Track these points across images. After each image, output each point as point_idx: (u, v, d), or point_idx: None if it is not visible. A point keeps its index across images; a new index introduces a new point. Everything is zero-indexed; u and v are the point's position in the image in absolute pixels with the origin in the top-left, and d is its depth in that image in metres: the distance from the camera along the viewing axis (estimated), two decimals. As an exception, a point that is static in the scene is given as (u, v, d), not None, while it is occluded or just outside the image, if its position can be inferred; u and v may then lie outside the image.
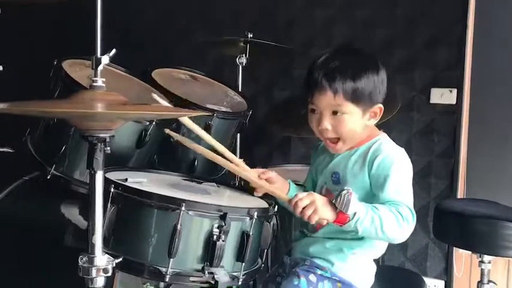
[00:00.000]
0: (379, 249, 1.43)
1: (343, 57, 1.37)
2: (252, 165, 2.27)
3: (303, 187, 1.54)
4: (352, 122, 1.35)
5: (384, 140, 1.39)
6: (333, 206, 1.25)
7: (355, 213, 1.23)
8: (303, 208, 1.24)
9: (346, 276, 1.38)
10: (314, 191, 1.40)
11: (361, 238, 1.37)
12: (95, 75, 1.13)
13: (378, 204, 1.28)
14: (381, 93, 1.37)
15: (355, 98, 1.33)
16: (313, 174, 1.53)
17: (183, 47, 2.81)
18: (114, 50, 1.16)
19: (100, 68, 1.13)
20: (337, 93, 1.32)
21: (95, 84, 1.13)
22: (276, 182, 1.44)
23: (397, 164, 1.33)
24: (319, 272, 1.38)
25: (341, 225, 1.26)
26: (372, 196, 1.33)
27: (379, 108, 1.38)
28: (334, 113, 1.34)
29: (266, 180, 1.42)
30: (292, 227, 1.95)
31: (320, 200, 1.25)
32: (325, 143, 1.42)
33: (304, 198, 1.25)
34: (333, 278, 1.38)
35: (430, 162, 2.53)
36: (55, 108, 1.03)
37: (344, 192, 1.24)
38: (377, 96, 1.36)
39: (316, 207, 1.24)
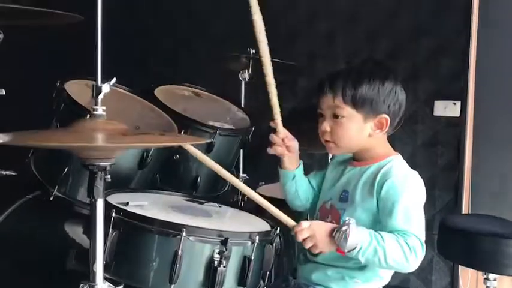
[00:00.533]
0: (384, 278, 1.39)
1: (351, 64, 1.41)
2: (255, 181, 2.29)
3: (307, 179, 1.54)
4: (350, 128, 1.34)
5: (396, 162, 1.36)
6: (333, 240, 1.24)
7: (356, 244, 1.22)
8: (303, 240, 1.26)
9: None
10: (317, 194, 1.49)
11: (364, 267, 1.35)
12: (95, 104, 1.13)
13: (385, 233, 1.25)
14: (386, 104, 1.34)
15: (355, 102, 1.33)
16: (321, 183, 1.52)
17: (186, 63, 2.82)
18: (114, 79, 1.16)
19: (100, 96, 1.13)
20: (336, 96, 1.34)
21: (95, 112, 1.13)
22: (293, 152, 1.47)
23: (407, 189, 1.29)
24: None
25: (344, 254, 1.25)
26: (379, 223, 1.30)
27: (384, 119, 1.34)
28: (335, 116, 1.35)
29: (287, 147, 1.45)
30: (296, 244, 1.94)
31: (319, 234, 1.25)
32: (324, 144, 1.42)
33: (305, 231, 1.26)
34: None
35: (435, 174, 2.52)
36: (54, 142, 1.03)
37: (343, 228, 1.22)
38: (381, 105, 1.33)
39: (316, 242, 1.25)
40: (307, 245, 1.25)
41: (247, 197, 2.20)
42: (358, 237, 1.22)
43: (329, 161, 2.40)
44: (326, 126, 1.37)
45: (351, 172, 1.41)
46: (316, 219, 1.46)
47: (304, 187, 1.51)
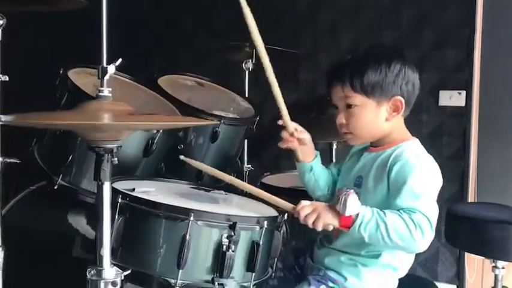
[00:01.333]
0: (399, 269, 1.36)
1: (355, 53, 1.40)
2: (260, 171, 2.27)
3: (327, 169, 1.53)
4: (365, 115, 1.33)
5: (410, 144, 1.34)
6: (336, 211, 1.22)
7: (357, 216, 1.20)
8: (306, 216, 1.23)
9: None
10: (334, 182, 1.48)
11: (377, 256, 1.33)
12: (101, 85, 1.12)
13: (388, 210, 1.22)
14: (397, 85, 1.32)
15: (364, 88, 1.31)
16: (338, 170, 1.52)
17: (189, 53, 2.80)
18: (120, 60, 1.14)
19: (106, 77, 1.12)
20: (344, 85, 1.33)
21: (101, 94, 1.11)
22: (306, 144, 1.45)
23: (417, 169, 1.26)
24: (330, 284, 1.36)
25: (347, 229, 1.22)
26: (389, 206, 1.27)
27: (399, 100, 1.32)
28: (348, 106, 1.34)
29: (298, 139, 1.44)
30: (302, 233, 1.93)
31: (322, 207, 1.24)
32: (344, 136, 1.41)
33: (306, 207, 1.25)
34: None
35: (440, 165, 2.46)
36: (61, 120, 1.02)
37: (343, 194, 1.23)
38: (391, 87, 1.31)
39: (319, 214, 1.22)
40: (310, 220, 1.23)
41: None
42: (358, 203, 1.21)
43: (333, 151, 2.40)
44: (341, 118, 1.36)
45: (367, 158, 1.39)
46: None
47: (325, 177, 1.50)
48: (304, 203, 1.26)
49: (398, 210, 1.22)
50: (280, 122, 1.45)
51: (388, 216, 1.20)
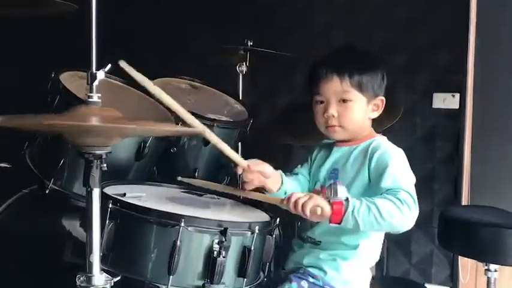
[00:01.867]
0: (373, 255, 1.43)
1: (347, 51, 1.47)
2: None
3: (295, 176, 1.53)
4: (357, 111, 1.40)
5: (384, 139, 1.45)
6: (327, 200, 1.24)
7: (348, 202, 1.22)
8: (296, 199, 1.24)
9: (339, 285, 1.39)
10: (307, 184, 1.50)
11: (356, 246, 1.37)
12: (91, 91, 1.11)
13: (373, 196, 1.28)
14: (381, 88, 1.44)
15: (361, 86, 1.39)
16: (309, 169, 1.54)
17: (182, 55, 2.79)
18: (109, 65, 1.14)
19: (95, 83, 1.11)
20: (344, 80, 1.38)
21: (90, 100, 1.10)
22: (270, 175, 1.41)
23: (395, 157, 1.36)
24: (311, 279, 1.39)
25: (340, 220, 1.22)
26: (371, 193, 1.31)
27: (380, 100, 1.44)
28: (342, 100, 1.40)
29: (261, 173, 1.39)
30: (295, 236, 1.93)
31: (311, 194, 1.26)
32: (327, 129, 1.44)
33: (296, 193, 1.26)
34: (325, 287, 1.39)
35: (433, 167, 2.51)
36: (49, 121, 1.01)
37: (329, 183, 1.28)
38: (379, 89, 1.42)
39: (311, 196, 1.23)
40: (301, 201, 1.22)
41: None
42: (346, 191, 1.24)
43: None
44: (333, 111, 1.40)
45: (339, 152, 1.46)
46: None
47: (298, 185, 1.51)
48: (294, 192, 1.30)
49: (381, 194, 1.28)
50: (237, 170, 1.38)
51: (376, 200, 1.25)
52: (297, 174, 1.54)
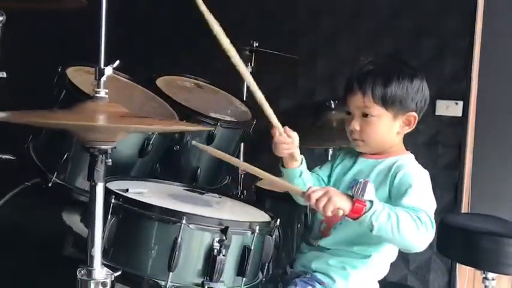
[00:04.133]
0: (383, 268, 1.40)
1: (379, 63, 1.41)
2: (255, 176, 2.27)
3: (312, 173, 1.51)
4: (380, 126, 1.36)
5: (410, 158, 1.40)
6: (349, 197, 1.21)
7: (371, 205, 1.19)
8: (317, 200, 1.20)
9: None
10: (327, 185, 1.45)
11: (367, 256, 1.35)
12: (98, 86, 1.12)
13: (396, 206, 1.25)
14: (415, 102, 1.38)
15: (385, 101, 1.34)
16: (330, 173, 1.51)
17: (188, 54, 2.80)
18: (117, 61, 1.14)
19: (103, 79, 1.12)
20: (366, 95, 1.35)
21: (97, 95, 1.11)
22: (296, 146, 1.40)
23: (420, 178, 1.33)
24: (318, 286, 1.37)
25: (357, 218, 1.20)
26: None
27: (413, 116, 1.38)
28: (364, 115, 1.36)
29: (293, 138, 1.38)
30: (295, 238, 1.93)
31: (333, 190, 1.22)
32: (352, 142, 1.43)
33: (318, 190, 1.22)
34: None
35: (435, 174, 2.47)
36: (56, 120, 1.02)
37: (361, 180, 1.23)
38: (409, 103, 1.36)
39: (331, 197, 1.19)
40: (321, 203, 1.19)
41: (247, 191, 2.21)
42: (374, 193, 1.21)
43: (329, 157, 2.41)
44: (355, 125, 1.38)
45: (364, 164, 1.43)
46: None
47: (313, 181, 1.49)
48: (315, 187, 1.25)
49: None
50: (273, 131, 1.39)
51: (398, 210, 1.22)
52: (314, 173, 1.52)
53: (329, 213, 1.20)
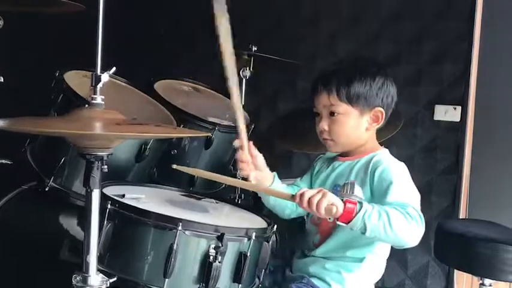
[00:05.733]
0: (378, 270, 1.42)
1: (342, 64, 1.45)
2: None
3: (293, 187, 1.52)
4: (348, 124, 1.39)
5: (385, 153, 1.43)
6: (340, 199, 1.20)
7: (361, 205, 1.19)
8: (310, 197, 1.18)
9: None
10: None
11: (362, 259, 1.36)
12: (94, 93, 1.12)
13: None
14: (380, 98, 1.40)
15: (349, 98, 1.38)
16: (310, 183, 1.53)
17: (187, 58, 2.80)
18: (114, 68, 1.14)
19: (100, 85, 1.12)
20: (331, 93, 1.38)
21: (94, 102, 1.11)
22: (262, 169, 1.43)
23: (399, 172, 1.35)
24: None
25: (349, 220, 1.19)
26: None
27: (380, 112, 1.41)
28: (331, 114, 1.39)
29: (253, 157, 1.40)
30: (292, 243, 1.93)
31: (327, 190, 1.20)
32: (323, 142, 1.45)
33: (310, 190, 1.21)
34: None
35: (433, 179, 2.51)
36: (52, 128, 1.02)
37: (347, 181, 1.25)
38: (374, 99, 1.39)
39: (325, 193, 1.18)
40: (315, 199, 1.17)
41: (244, 195, 2.21)
42: (361, 193, 1.22)
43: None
44: (324, 124, 1.41)
45: (341, 167, 1.45)
46: (313, 223, 1.48)
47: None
48: (306, 188, 1.24)
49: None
50: (236, 143, 1.41)
51: (388, 208, 1.22)
52: (294, 185, 1.54)
53: (322, 211, 1.17)
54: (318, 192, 1.19)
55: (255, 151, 1.43)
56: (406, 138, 2.50)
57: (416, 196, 1.31)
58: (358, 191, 1.22)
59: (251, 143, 1.43)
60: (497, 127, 2.44)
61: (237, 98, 1.35)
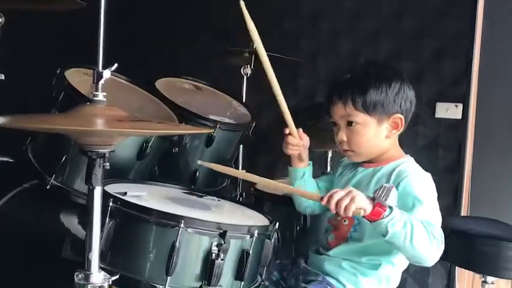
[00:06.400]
0: (393, 280, 1.39)
1: (356, 70, 1.41)
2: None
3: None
4: (367, 133, 1.36)
5: (410, 162, 1.38)
6: (371, 199, 1.19)
7: (391, 211, 1.17)
8: (339, 200, 1.17)
9: None
10: None
11: (377, 266, 1.34)
12: (96, 90, 1.11)
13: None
14: (398, 104, 1.36)
15: (366, 107, 1.34)
16: (330, 187, 1.51)
17: (188, 56, 2.80)
18: (116, 65, 1.14)
19: (101, 82, 1.11)
20: (346, 104, 1.35)
21: (95, 98, 1.11)
22: (306, 149, 1.48)
23: (426, 188, 1.31)
24: None
25: (374, 220, 1.18)
26: None
27: (399, 118, 1.36)
28: (349, 124, 1.36)
29: (304, 141, 1.47)
30: (294, 241, 1.92)
31: (356, 190, 1.19)
32: (343, 153, 1.43)
33: (340, 190, 1.19)
34: None
35: (435, 177, 2.48)
36: (53, 125, 1.01)
37: (385, 185, 1.22)
38: (392, 106, 1.35)
39: (354, 196, 1.17)
40: (344, 203, 1.16)
41: (246, 193, 2.21)
42: (396, 200, 1.19)
43: (328, 159, 2.40)
44: (342, 135, 1.38)
45: (363, 173, 1.42)
46: (330, 223, 1.46)
47: (313, 187, 1.50)
48: (336, 189, 1.22)
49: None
50: (286, 131, 1.47)
51: (415, 221, 1.20)
52: (316, 181, 1.54)
53: (350, 215, 1.17)
54: (346, 195, 1.17)
55: (304, 135, 1.48)
56: (408, 136, 2.46)
57: (439, 215, 1.29)
58: (393, 196, 1.19)
59: (300, 130, 1.49)
60: (498, 124, 2.44)
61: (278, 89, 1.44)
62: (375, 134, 1.36)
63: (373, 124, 1.35)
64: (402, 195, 1.27)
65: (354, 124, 1.35)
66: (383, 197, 1.17)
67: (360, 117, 1.35)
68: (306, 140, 1.48)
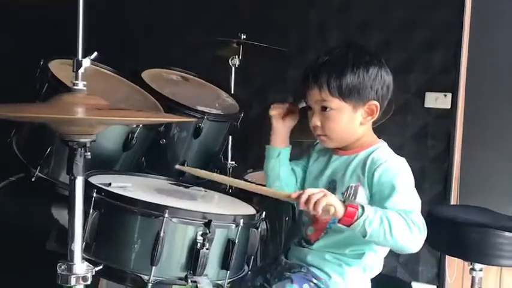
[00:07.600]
0: (376, 267, 1.38)
1: (333, 54, 1.34)
2: (243, 168, 2.26)
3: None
4: (341, 119, 1.32)
5: (384, 148, 1.35)
6: (341, 201, 1.18)
7: (363, 210, 1.16)
8: (310, 195, 1.15)
9: None
10: (298, 182, 1.46)
11: (361, 255, 1.33)
12: (76, 78, 1.10)
13: (387, 209, 1.21)
14: (374, 90, 1.31)
15: (341, 93, 1.30)
16: (304, 172, 1.49)
17: (175, 47, 2.78)
18: (95, 53, 1.13)
19: (81, 70, 1.10)
20: (322, 89, 1.30)
21: (75, 87, 1.09)
22: (288, 126, 1.45)
23: (401, 173, 1.28)
24: (314, 281, 1.34)
25: (350, 224, 1.17)
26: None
27: (374, 105, 1.32)
28: (323, 109, 1.32)
29: (287, 114, 1.45)
30: (283, 232, 1.92)
31: (328, 191, 1.18)
32: (317, 137, 1.40)
33: (311, 189, 1.18)
34: None
35: (424, 166, 2.51)
36: (31, 113, 1.00)
37: (351, 184, 1.20)
38: (368, 92, 1.31)
39: (326, 193, 1.16)
40: (315, 197, 1.15)
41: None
42: (365, 197, 1.18)
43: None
44: (316, 120, 1.34)
45: (337, 162, 1.39)
46: (306, 216, 1.43)
47: (286, 171, 1.47)
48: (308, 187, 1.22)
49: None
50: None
51: (390, 214, 1.19)
52: (291, 165, 1.50)
53: (319, 210, 1.15)
54: (319, 192, 1.16)
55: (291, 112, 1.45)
56: (397, 125, 2.50)
57: (418, 200, 1.26)
58: (361, 195, 1.17)
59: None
60: (487, 114, 2.45)
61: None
62: (349, 120, 1.33)
63: (348, 110, 1.32)
64: (378, 184, 1.26)
65: (328, 110, 1.31)
66: (352, 196, 1.17)
67: (335, 103, 1.31)
68: (294, 112, 1.44)
